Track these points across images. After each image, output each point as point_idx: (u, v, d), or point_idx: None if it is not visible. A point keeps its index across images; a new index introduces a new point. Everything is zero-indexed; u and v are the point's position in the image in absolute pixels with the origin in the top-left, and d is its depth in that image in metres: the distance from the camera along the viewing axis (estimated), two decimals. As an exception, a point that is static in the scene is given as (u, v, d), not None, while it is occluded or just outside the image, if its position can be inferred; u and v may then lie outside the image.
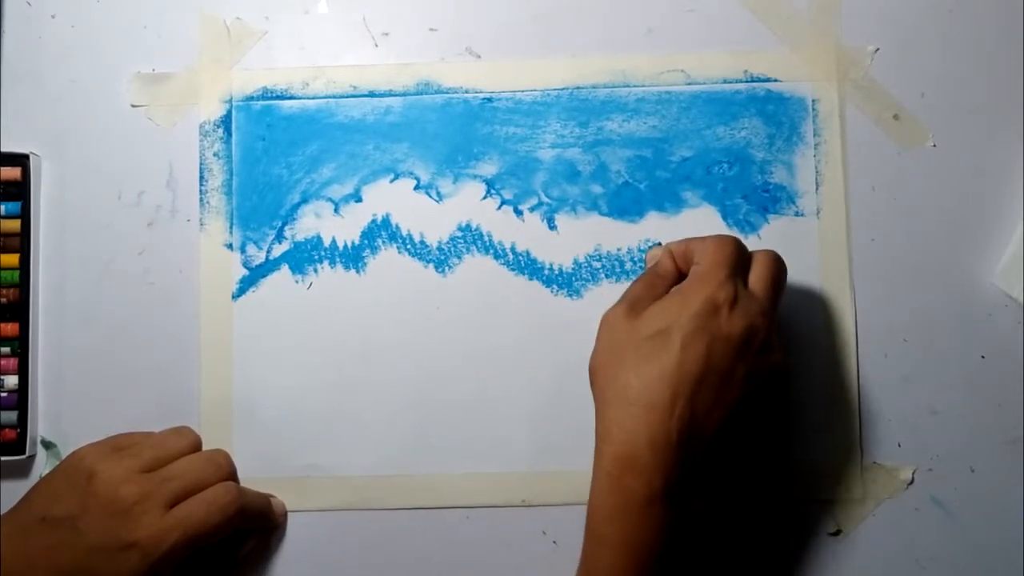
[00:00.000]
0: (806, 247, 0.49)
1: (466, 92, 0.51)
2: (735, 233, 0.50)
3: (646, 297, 0.43)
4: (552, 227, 0.50)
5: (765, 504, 0.48)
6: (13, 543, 0.43)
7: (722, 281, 0.42)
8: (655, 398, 0.40)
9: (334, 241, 0.50)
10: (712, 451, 0.41)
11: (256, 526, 0.48)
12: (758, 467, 0.48)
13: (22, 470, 0.50)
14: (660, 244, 0.48)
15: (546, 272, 0.50)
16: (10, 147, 0.50)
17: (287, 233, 0.50)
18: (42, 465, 0.50)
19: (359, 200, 0.50)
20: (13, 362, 0.49)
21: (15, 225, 0.49)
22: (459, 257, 0.50)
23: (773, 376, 0.42)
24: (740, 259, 0.43)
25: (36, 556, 0.43)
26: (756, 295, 0.43)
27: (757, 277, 0.43)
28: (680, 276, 0.45)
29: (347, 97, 0.51)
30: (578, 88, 0.50)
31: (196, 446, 0.49)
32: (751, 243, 0.49)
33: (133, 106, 0.51)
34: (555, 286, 0.50)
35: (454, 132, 0.51)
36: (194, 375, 0.50)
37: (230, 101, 0.51)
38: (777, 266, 0.44)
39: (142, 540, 0.43)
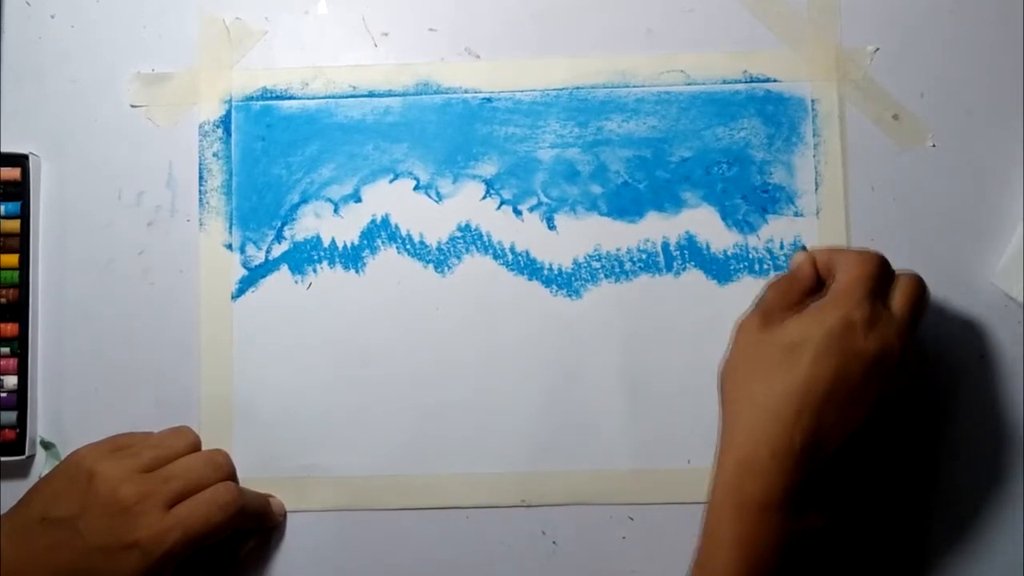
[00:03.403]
0: (806, 247, 0.49)
1: (465, 92, 0.51)
2: (734, 233, 0.50)
3: (781, 304, 0.44)
4: (551, 227, 0.50)
5: (893, 526, 0.48)
6: (13, 543, 0.43)
7: (860, 300, 0.42)
8: (782, 409, 0.41)
9: (333, 241, 0.50)
10: (835, 466, 0.41)
11: (256, 526, 0.48)
12: (887, 488, 0.48)
13: (21, 470, 0.50)
14: (805, 248, 0.47)
15: (545, 272, 0.50)
16: (10, 147, 0.50)
17: (286, 233, 0.50)
18: (41, 465, 0.50)
19: (358, 200, 0.50)
20: (13, 362, 0.49)
21: (15, 225, 0.49)
22: (458, 257, 0.50)
23: (906, 396, 0.42)
24: (882, 277, 0.43)
25: (36, 556, 0.43)
26: (894, 316, 0.43)
27: (899, 298, 0.43)
28: (819, 284, 0.44)
29: (346, 97, 0.51)
30: (577, 88, 0.50)
31: (196, 446, 0.49)
32: (750, 243, 0.49)
33: (133, 106, 0.51)
34: (554, 286, 0.50)
35: (453, 132, 0.51)
36: (194, 375, 0.50)
37: (230, 101, 0.51)
38: (920, 289, 0.44)
39: (142, 540, 0.43)
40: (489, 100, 0.51)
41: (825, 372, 0.41)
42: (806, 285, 0.44)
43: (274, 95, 0.51)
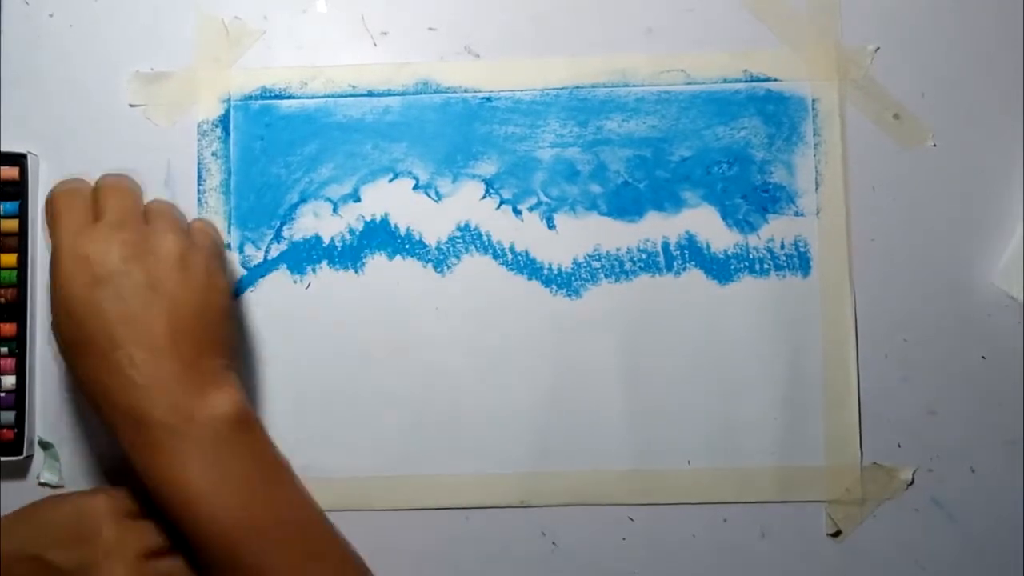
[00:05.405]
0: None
1: (465, 91, 0.51)
2: (734, 233, 0.49)
3: None
4: (551, 227, 0.50)
5: None
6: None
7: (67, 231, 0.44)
8: (86, 348, 0.43)
9: (333, 241, 0.50)
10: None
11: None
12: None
13: (20, 470, 0.50)
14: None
15: (545, 272, 0.50)
16: (8, 146, 0.50)
17: (285, 233, 0.50)
18: (39, 466, 0.50)
19: (358, 200, 0.50)
20: (11, 362, 0.49)
21: (13, 225, 0.49)
22: (458, 257, 0.50)
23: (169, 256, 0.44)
24: (77, 203, 0.45)
25: None
26: (103, 222, 0.44)
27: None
28: None
29: (346, 96, 0.51)
30: (577, 88, 0.50)
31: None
32: (751, 243, 0.49)
33: (131, 105, 0.51)
34: (554, 286, 0.50)
35: (453, 131, 0.50)
36: (193, 375, 0.50)
37: (228, 101, 0.51)
38: (115, 183, 0.46)
39: None
40: (489, 99, 0.51)
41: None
42: None
43: (273, 94, 0.51)
